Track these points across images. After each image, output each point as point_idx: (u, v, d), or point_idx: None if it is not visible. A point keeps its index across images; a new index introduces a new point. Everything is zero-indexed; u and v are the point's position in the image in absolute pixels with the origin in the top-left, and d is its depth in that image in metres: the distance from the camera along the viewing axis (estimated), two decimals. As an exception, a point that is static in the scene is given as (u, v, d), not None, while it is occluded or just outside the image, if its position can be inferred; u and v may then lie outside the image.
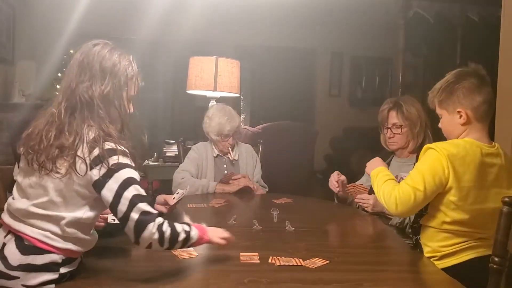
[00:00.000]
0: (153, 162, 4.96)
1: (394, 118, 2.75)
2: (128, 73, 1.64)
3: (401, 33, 5.54)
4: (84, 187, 1.52)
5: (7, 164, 2.42)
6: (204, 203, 2.78)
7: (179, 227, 1.57)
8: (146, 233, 1.48)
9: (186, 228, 1.59)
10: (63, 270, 1.53)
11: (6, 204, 1.62)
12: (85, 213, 1.55)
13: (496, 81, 3.21)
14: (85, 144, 1.51)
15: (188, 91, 4.44)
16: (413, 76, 7.85)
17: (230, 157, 3.29)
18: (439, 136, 2.72)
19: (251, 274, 1.60)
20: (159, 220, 1.51)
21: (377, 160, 2.31)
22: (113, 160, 1.50)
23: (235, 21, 7.54)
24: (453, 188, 1.87)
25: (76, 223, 1.54)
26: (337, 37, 8.23)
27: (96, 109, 1.56)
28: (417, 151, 2.72)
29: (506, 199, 1.61)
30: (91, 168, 1.49)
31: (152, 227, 1.48)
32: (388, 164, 2.81)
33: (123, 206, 1.48)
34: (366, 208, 2.62)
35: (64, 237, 1.53)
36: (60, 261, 1.52)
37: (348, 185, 2.79)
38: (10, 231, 1.55)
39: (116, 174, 1.49)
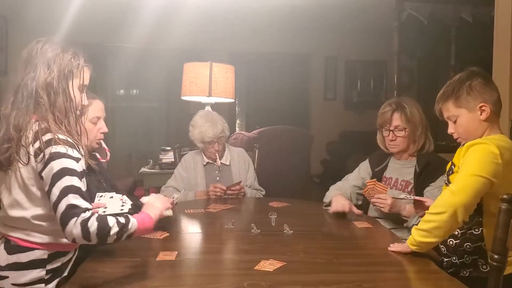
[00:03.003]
0: (149, 169, 4.95)
1: (397, 120, 2.66)
2: (73, 62, 1.65)
3: (395, 36, 5.53)
4: (37, 180, 1.55)
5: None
6: (202, 208, 2.76)
7: (111, 221, 1.53)
8: (68, 228, 1.46)
9: (122, 220, 1.55)
10: (50, 266, 1.55)
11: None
12: (48, 203, 1.55)
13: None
14: (26, 135, 1.54)
15: (182, 98, 4.43)
16: (408, 78, 7.89)
17: (217, 163, 3.27)
18: (440, 140, 2.72)
19: (250, 277, 1.60)
20: (85, 215, 1.48)
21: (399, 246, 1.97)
22: (50, 149, 1.51)
23: (229, 28, 7.55)
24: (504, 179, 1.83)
25: (45, 216, 1.55)
26: (331, 41, 8.25)
27: (36, 97, 1.57)
28: (417, 154, 2.70)
29: (505, 196, 1.60)
30: (35, 159, 1.52)
31: (73, 222, 1.46)
32: (386, 167, 2.78)
33: (53, 196, 1.48)
34: (382, 209, 2.50)
35: (42, 231, 1.56)
36: (45, 256, 1.57)
37: (367, 182, 2.63)
38: (3, 236, 1.61)
39: (52, 163, 1.50)
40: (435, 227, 1.82)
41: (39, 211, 1.55)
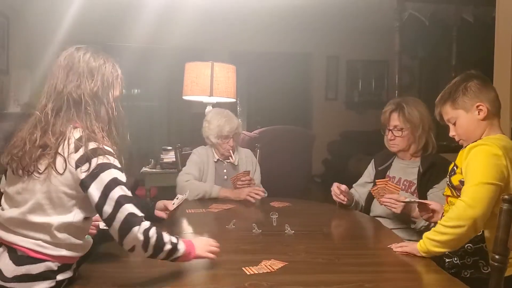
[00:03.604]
0: (150, 169, 4.94)
1: (395, 120, 2.65)
2: (113, 72, 1.66)
3: (396, 36, 5.53)
4: (72, 188, 1.52)
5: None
6: (203, 208, 2.76)
7: (166, 237, 1.55)
8: (131, 235, 1.48)
9: (174, 240, 1.58)
10: (60, 277, 1.51)
11: None
12: (75, 215, 1.54)
13: (492, 81, 3.21)
14: (66, 142, 1.52)
15: (184, 97, 4.43)
16: (409, 78, 7.87)
17: (231, 160, 3.25)
18: (441, 140, 2.72)
19: (251, 278, 1.60)
20: (145, 224, 1.50)
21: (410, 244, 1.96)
22: (97, 160, 1.50)
23: (230, 27, 7.56)
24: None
25: (67, 228, 1.53)
26: (332, 41, 8.25)
27: (84, 106, 1.57)
28: (419, 154, 2.68)
29: (506, 196, 1.60)
30: (76, 167, 1.50)
31: (137, 230, 1.48)
32: (390, 166, 2.77)
33: (109, 207, 1.48)
34: (394, 210, 2.40)
35: (56, 244, 1.52)
36: (56, 268, 1.51)
37: (378, 181, 2.54)
38: (2, 243, 1.54)
39: (102, 175, 1.49)
40: (452, 239, 1.82)
41: (61, 221, 1.51)
